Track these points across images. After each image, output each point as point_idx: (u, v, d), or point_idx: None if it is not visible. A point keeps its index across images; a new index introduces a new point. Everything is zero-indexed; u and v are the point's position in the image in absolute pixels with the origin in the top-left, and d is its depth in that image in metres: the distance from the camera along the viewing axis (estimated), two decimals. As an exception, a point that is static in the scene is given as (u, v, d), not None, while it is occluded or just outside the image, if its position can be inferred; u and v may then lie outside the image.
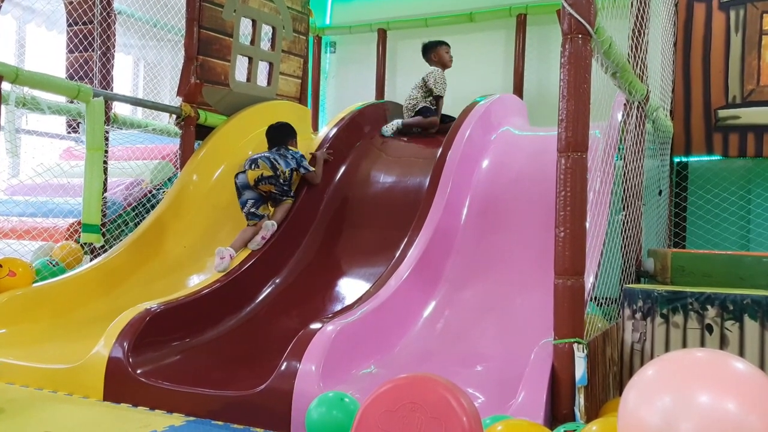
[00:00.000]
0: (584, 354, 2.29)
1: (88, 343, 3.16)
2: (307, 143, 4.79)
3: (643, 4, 3.45)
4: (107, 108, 4.67)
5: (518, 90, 6.25)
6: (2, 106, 3.84)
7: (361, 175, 4.70)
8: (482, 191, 4.03)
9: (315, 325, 2.90)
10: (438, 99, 5.25)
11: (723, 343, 2.60)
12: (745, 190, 4.60)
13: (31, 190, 5.28)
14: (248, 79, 5.35)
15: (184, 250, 4.45)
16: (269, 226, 4.13)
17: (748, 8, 4.46)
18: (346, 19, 7.34)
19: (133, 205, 5.59)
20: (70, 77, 5.28)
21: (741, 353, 2.55)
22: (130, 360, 3.01)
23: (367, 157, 4.86)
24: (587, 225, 2.44)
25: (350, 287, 3.88)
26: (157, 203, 5.00)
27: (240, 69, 5.33)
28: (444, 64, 5.36)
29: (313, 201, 4.47)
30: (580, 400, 2.26)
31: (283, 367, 2.71)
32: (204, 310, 3.57)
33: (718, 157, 4.59)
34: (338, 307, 3.59)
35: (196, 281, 4.07)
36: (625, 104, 3.41)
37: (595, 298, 2.86)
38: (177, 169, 5.31)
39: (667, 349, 2.66)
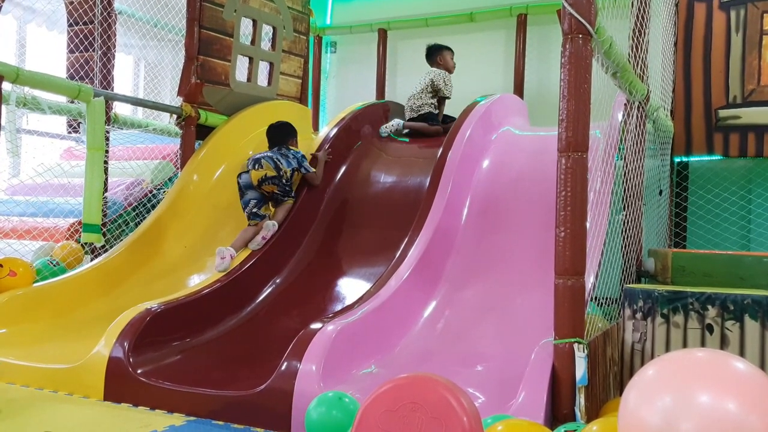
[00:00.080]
0: (585, 354, 2.29)
1: (89, 343, 3.16)
2: (308, 143, 4.79)
3: (643, 4, 3.45)
4: (108, 108, 4.68)
5: (518, 90, 6.25)
6: (3, 106, 3.84)
7: (361, 175, 4.70)
8: (482, 191, 4.03)
9: (315, 325, 2.91)
10: (443, 101, 5.25)
11: (723, 343, 2.59)
12: (745, 190, 4.59)
13: (32, 190, 5.29)
14: (249, 79, 5.35)
15: (184, 250, 4.45)
16: (270, 227, 4.13)
17: (748, 8, 4.46)
18: (347, 19, 7.34)
19: (133, 205, 5.59)
20: (71, 77, 5.28)
21: (741, 353, 2.54)
22: (131, 360, 3.01)
23: (367, 157, 4.86)
24: (588, 225, 2.44)
25: (350, 287, 3.87)
26: (158, 203, 5.01)
27: (240, 69, 5.33)
28: (448, 69, 5.38)
29: (314, 201, 4.47)
30: (581, 400, 2.26)
31: (283, 367, 2.71)
32: (204, 310, 3.57)
33: (719, 157, 4.58)
34: (338, 307, 3.59)
35: (196, 281, 4.07)
36: (625, 104, 3.41)
37: (596, 298, 2.86)
38: (177, 169, 5.31)
39: (667, 349, 2.66)
